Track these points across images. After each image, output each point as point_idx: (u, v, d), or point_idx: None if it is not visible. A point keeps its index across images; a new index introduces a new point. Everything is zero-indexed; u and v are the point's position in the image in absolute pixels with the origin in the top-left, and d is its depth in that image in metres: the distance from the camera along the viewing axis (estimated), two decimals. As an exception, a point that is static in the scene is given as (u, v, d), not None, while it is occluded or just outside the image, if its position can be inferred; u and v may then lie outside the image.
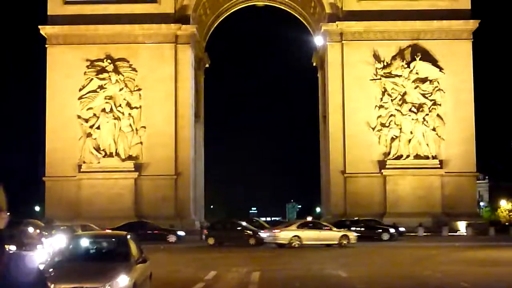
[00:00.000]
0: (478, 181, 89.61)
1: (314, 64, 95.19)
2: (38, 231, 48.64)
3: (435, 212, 77.44)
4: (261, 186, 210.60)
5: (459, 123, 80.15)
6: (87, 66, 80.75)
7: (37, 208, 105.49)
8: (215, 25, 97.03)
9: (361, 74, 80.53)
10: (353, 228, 60.08)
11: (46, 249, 37.82)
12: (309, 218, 66.05)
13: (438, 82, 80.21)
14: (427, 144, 79.60)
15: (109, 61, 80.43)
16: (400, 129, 79.90)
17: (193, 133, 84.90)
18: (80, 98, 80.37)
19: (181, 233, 64.82)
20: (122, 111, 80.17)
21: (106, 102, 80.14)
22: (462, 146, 79.80)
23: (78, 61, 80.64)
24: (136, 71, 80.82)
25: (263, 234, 56.99)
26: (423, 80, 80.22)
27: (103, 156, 79.67)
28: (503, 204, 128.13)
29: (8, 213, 5.52)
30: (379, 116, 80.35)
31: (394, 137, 79.98)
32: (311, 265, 36.58)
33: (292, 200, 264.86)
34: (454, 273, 32.06)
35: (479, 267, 35.13)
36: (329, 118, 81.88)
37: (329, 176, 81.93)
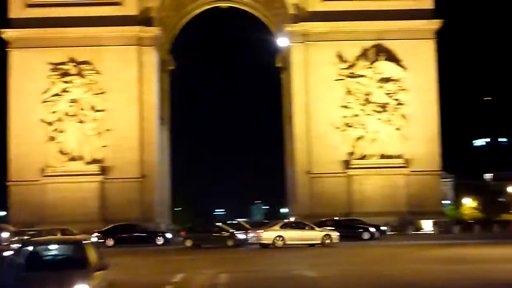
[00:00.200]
0: (442, 180, 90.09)
1: (278, 65, 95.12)
2: (9, 234, 48.46)
3: (401, 211, 77.81)
4: (227, 187, 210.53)
5: (424, 122, 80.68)
6: (51, 70, 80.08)
7: (1, 213, 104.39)
8: (180, 27, 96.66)
9: (326, 75, 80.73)
10: (329, 228, 60.13)
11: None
12: (292, 219, 66.22)
13: (402, 82, 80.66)
14: (392, 144, 79.97)
15: (72, 64, 79.90)
16: (365, 128, 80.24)
17: (159, 135, 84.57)
18: (43, 102, 79.69)
19: (169, 235, 64.66)
20: (87, 114, 79.66)
21: (70, 106, 79.56)
22: (426, 145, 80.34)
23: (41, 64, 79.92)
24: (100, 74, 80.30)
25: (240, 235, 57.55)
26: (387, 80, 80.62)
27: (68, 160, 79.09)
28: (467, 202, 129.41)
29: None
30: (344, 116, 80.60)
31: (359, 137, 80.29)
32: (282, 266, 36.72)
33: (257, 201, 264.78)
34: (421, 271, 32.23)
35: (446, 265, 35.34)
36: (294, 118, 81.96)
37: (294, 176, 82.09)
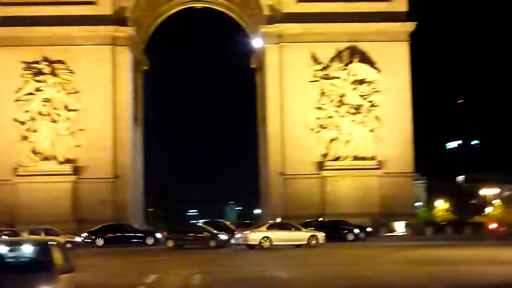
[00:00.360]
0: (415, 182, 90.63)
1: (253, 66, 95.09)
2: None
3: (374, 212, 78.06)
4: (200, 188, 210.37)
5: (397, 124, 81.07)
6: (24, 68, 79.62)
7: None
8: (154, 27, 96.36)
9: (300, 76, 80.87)
10: (311, 229, 60.36)
11: None
12: (278, 220, 66.48)
13: (376, 84, 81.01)
14: (366, 145, 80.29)
15: (46, 63, 79.48)
16: (339, 130, 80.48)
17: (132, 135, 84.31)
18: (16, 100, 79.23)
19: (159, 235, 64.68)
20: (60, 114, 79.29)
21: (43, 105, 79.14)
22: (400, 146, 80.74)
23: (14, 63, 79.46)
24: (74, 73, 79.96)
25: (223, 236, 57.84)
26: (361, 82, 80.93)
27: (41, 160, 78.66)
28: (439, 204, 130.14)
29: None
30: (318, 118, 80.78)
31: (333, 138, 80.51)
32: (259, 267, 36.70)
33: (231, 202, 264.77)
34: (395, 272, 32.38)
35: (420, 266, 35.54)
36: (268, 119, 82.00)
37: (268, 177, 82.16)
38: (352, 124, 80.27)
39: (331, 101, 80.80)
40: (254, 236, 54.28)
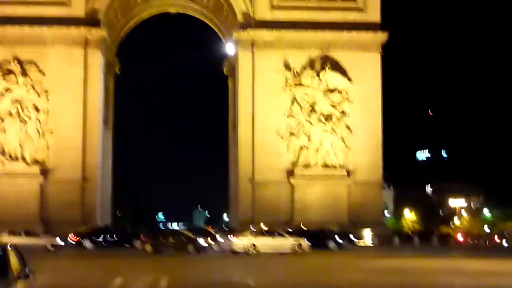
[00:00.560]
0: (383, 190, 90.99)
1: (225, 72, 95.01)
2: None
3: (342, 220, 78.19)
4: (169, 192, 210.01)
5: (367, 132, 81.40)
6: (-7, 68, 79.03)
7: None
8: (127, 30, 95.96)
9: (272, 83, 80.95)
10: (292, 236, 60.17)
11: None
12: (263, 226, 66.38)
13: (347, 93, 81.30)
14: (335, 154, 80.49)
15: (16, 62, 78.82)
16: (309, 138, 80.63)
17: (102, 137, 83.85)
18: (-15, 100, 78.53)
19: None
20: (29, 114, 78.69)
21: (13, 105, 78.46)
22: (369, 155, 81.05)
23: (-17, 62, 78.92)
24: (44, 74, 79.40)
25: (202, 241, 57.27)
26: (333, 90, 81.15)
27: (8, 160, 77.95)
28: (407, 213, 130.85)
29: None
30: (289, 125, 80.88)
31: (303, 146, 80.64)
32: (229, 273, 36.65)
33: (199, 206, 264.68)
34: (360, 282, 32.48)
35: (386, 276, 35.65)
36: (239, 125, 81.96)
37: (237, 183, 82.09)
38: (323, 132, 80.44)
39: (302, 109, 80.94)
40: (238, 242, 54.14)
